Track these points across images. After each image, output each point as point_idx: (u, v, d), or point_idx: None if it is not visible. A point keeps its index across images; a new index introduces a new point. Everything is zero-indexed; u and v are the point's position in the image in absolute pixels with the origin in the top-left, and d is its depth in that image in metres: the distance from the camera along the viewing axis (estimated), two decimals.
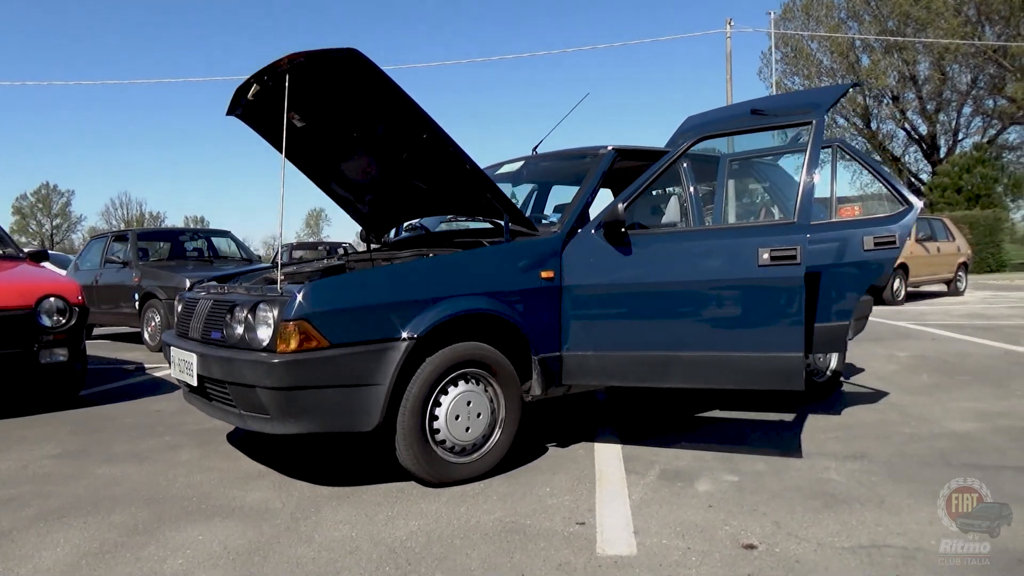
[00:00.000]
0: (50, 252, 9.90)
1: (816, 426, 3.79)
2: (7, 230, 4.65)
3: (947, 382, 4.91)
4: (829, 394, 4.56)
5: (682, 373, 3.10)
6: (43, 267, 5.49)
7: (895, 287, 11.81)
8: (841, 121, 29.60)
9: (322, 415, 2.71)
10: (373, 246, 4.31)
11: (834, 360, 4.65)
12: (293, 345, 2.62)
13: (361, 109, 3.19)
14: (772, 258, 2.90)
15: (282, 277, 3.09)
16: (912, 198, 3.65)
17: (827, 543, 2.29)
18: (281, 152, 3.15)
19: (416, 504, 2.73)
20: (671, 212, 3.99)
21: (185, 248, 10.18)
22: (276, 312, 2.67)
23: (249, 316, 2.79)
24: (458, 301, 2.92)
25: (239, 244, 10.38)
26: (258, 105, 3.34)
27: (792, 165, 4.63)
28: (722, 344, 3.02)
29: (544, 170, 4.15)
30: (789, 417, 4.01)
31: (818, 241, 3.77)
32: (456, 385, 2.95)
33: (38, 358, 4.50)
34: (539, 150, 4.35)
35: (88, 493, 2.94)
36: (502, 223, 3.35)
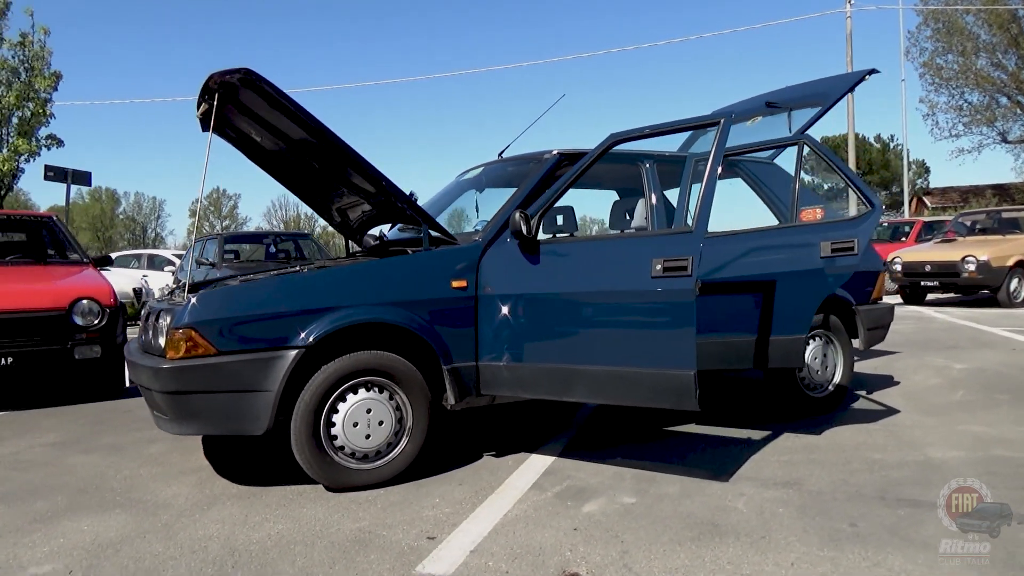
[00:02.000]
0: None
1: (777, 446, 3.51)
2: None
3: (979, 401, 4.37)
4: (830, 410, 4.20)
5: (585, 387, 2.97)
6: (96, 272, 6.04)
7: (1012, 288, 10.59)
8: (1004, 101, 26.84)
9: (212, 418, 2.84)
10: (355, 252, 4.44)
11: (838, 373, 4.27)
12: (181, 352, 2.78)
13: (279, 125, 3.30)
14: (664, 269, 2.73)
15: (187, 283, 3.25)
16: (875, 199, 3.29)
17: (664, 566, 2.14)
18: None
19: (298, 508, 2.81)
20: (637, 217, 3.85)
21: (272, 250, 10.92)
22: (168, 320, 2.84)
23: (158, 324, 2.98)
24: (353, 311, 2.96)
25: (319, 246, 10.98)
26: (222, 120, 3.51)
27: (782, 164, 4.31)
28: (620, 359, 2.87)
29: (500, 176, 4.10)
30: (759, 435, 3.74)
31: (774, 247, 3.51)
32: (356, 392, 3.00)
33: (73, 354, 4.99)
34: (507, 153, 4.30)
35: (40, 480, 3.26)
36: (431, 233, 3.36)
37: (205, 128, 3.77)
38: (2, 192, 13.40)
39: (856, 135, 42.01)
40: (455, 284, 3.17)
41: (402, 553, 2.35)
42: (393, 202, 3.35)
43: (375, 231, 4.29)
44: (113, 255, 22.28)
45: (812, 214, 3.73)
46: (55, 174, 13.38)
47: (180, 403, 2.82)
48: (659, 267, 2.74)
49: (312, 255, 10.51)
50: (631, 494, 2.87)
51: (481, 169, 4.21)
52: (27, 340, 4.82)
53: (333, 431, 2.96)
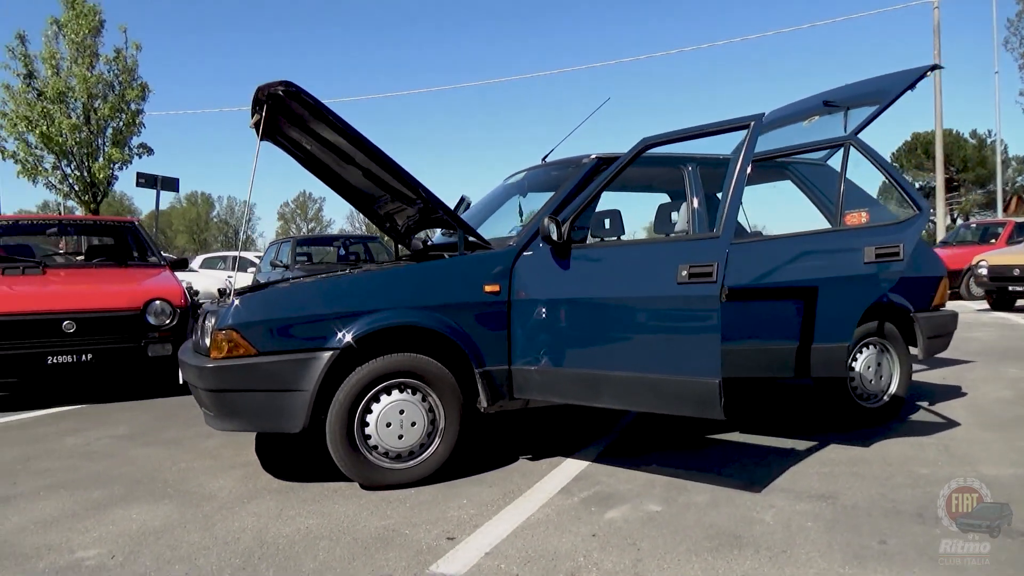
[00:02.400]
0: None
1: (819, 458, 3.41)
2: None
3: None
4: (884, 421, 4.03)
5: (611, 393, 2.97)
6: (171, 274, 6.37)
7: None
8: None
9: (251, 416, 2.99)
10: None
11: (894, 383, 4.10)
12: (223, 352, 2.93)
13: (324, 134, 3.42)
14: (690, 275, 2.70)
15: (234, 287, 3.41)
16: (923, 203, 3.15)
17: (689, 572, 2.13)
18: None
19: (330, 504, 2.92)
20: (680, 221, 3.83)
21: (343, 252, 11.28)
22: (213, 321, 3.00)
23: (205, 325, 3.15)
24: (386, 314, 3.05)
25: (387, 249, 11.27)
26: (274, 129, 3.67)
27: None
28: (645, 365, 2.85)
29: (542, 180, 4.12)
30: (803, 445, 3.63)
31: (817, 252, 3.40)
32: (389, 394, 3.09)
33: (146, 352, 5.31)
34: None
35: (103, 470, 3.49)
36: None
37: (260, 137, 3.96)
38: (98, 198, 14.39)
39: (949, 131, 39.92)
40: (488, 288, 3.22)
41: (420, 552, 2.41)
42: (430, 208, 3.43)
43: (422, 235, 4.39)
44: (200, 257, 23.52)
45: (857, 218, 3.60)
46: (146, 181, 14.19)
47: (222, 400, 2.98)
48: (684, 273, 2.71)
49: (379, 257, 10.79)
50: (658, 502, 2.85)
51: (524, 174, 4.24)
52: (105, 338, 5.16)
53: (367, 431, 3.05)
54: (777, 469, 3.24)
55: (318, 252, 11.78)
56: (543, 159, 4.32)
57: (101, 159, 13.98)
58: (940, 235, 19.23)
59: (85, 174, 13.61)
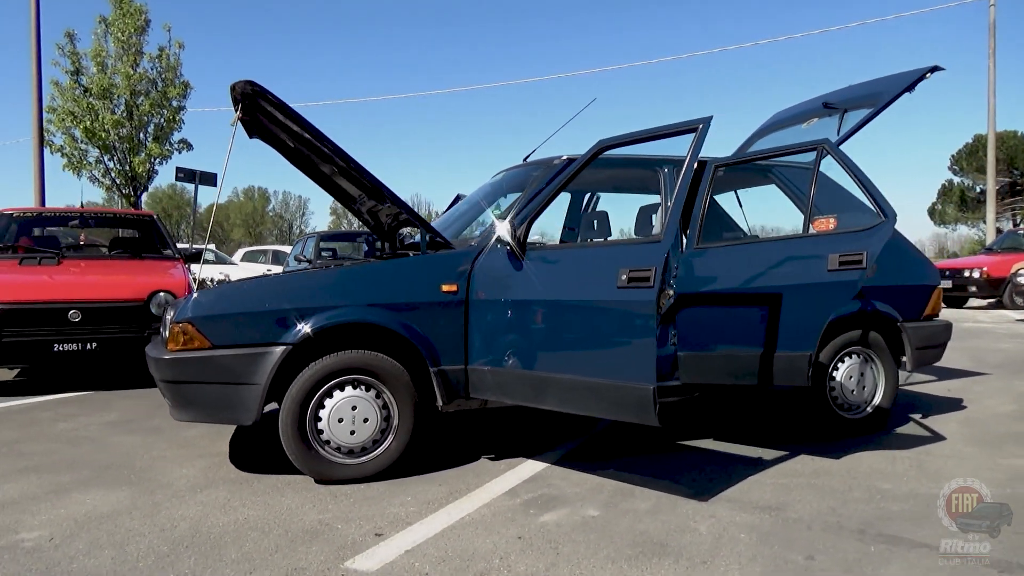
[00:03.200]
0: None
1: (783, 468, 3.33)
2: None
3: None
4: (868, 432, 3.91)
5: (556, 396, 2.95)
6: (181, 267, 6.55)
7: None
8: None
9: (206, 407, 3.06)
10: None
11: (879, 394, 3.98)
12: (179, 344, 3.01)
13: (297, 132, 3.47)
14: (629, 280, 2.67)
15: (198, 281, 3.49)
16: (889, 210, 3.04)
17: None
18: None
19: (278, 496, 2.97)
20: (656, 224, 3.79)
21: (367, 248, 11.44)
22: (171, 315, 3.09)
23: (166, 318, 3.24)
24: (339, 312, 3.09)
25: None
26: (260, 126, 3.75)
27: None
28: (587, 369, 2.83)
29: (518, 180, 4.11)
30: (772, 455, 3.56)
31: (782, 258, 3.32)
32: (342, 390, 3.13)
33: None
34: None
35: (80, 455, 3.62)
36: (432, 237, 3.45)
37: (250, 134, 4.04)
38: (139, 191, 14.94)
39: (1014, 132, 38.17)
40: (445, 288, 3.23)
41: (343, 547, 2.44)
42: (395, 207, 3.46)
43: (405, 232, 4.43)
44: (241, 250, 24.00)
45: (825, 224, 3.50)
46: (185, 175, 14.58)
47: (178, 392, 3.06)
48: (624, 277, 2.68)
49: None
50: (599, 507, 2.83)
51: (503, 174, 4.24)
52: (110, 327, 5.34)
53: (320, 426, 3.10)
54: (735, 478, 3.18)
55: (344, 247, 11.96)
56: (524, 159, 4.32)
57: (143, 154, 14.51)
58: (989, 241, 18.48)
59: (126, 168, 14.17)
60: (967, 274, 13.60)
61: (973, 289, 13.54)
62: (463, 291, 3.24)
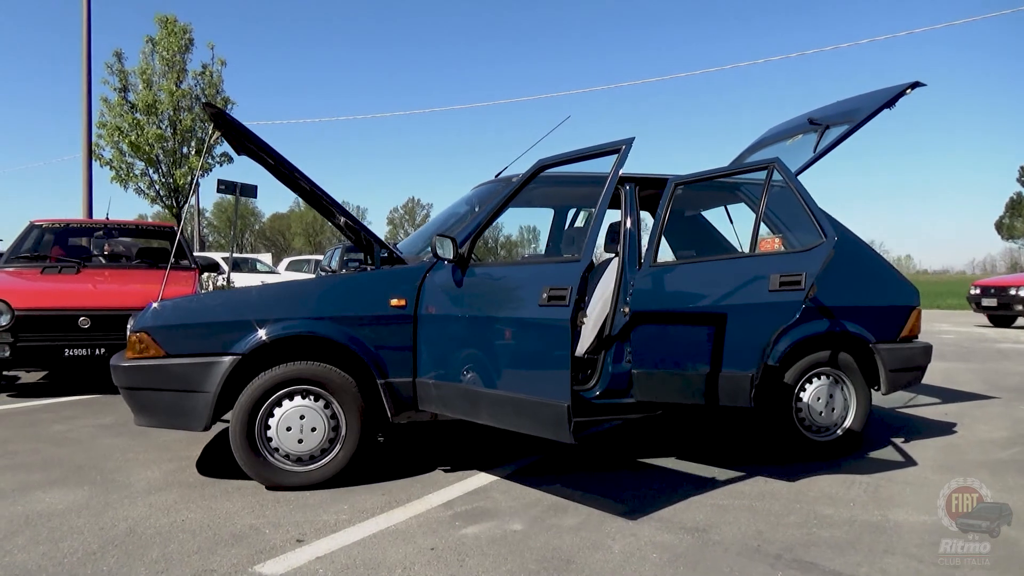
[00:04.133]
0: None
1: (731, 489, 3.30)
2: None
3: None
4: (837, 456, 3.83)
5: (487, 411, 3.00)
6: (192, 276, 6.81)
7: None
8: None
9: (160, 413, 3.21)
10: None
11: (849, 416, 3.90)
12: (135, 352, 3.17)
13: (262, 156, 3.61)
14: (549, 298, 2.71)
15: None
16: (830, 231, 2.99)
17: None
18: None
19: (223, 501, 3.09)
20: (619, 242, 3.83)
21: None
22: (131, 324, 3.25)
23: (127, 328, 3.41)
24: (287, 324, 3.20)
25: None
26: (241, 143, 3.91)
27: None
28: (512, 385, 2.87)
29: (487, 195, 4.17)
30: (726, 475, 3.52)
31: (729, 278, 3.31)
32: (292, 400, 3.24)
33: None
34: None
35: (61, 455, 3.82)
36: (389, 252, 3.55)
37: (236, 151, 4.22)
38: (180, 203, 15.59)
39: None
40: (394, 303, 3.32)
41: (261, 551, 2.53)
42: (350, 225, 3.57)
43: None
44: (286, 260, 24.55)
45: (771, 244, 3.46)
46: (226, 187, 15.15)
47: (134, 398, 3.22)
48: (545, 296, 2.72)
49: None
50: (526, 522, 2.86)
51: (475, 190, 4.32)
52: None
53: (269, 434, 3.21)
54: (676, 498, 3.16)
55: None
56: (496, 175, 4.38)
57: (184, 167, 15.13)
58: None
59: (169, 180, 14.81)
60: (1013, 292, 13.06)
61: (1020, 308, 12.99)
62: (411, 306, 3.32)
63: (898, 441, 4.24)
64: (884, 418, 4.96)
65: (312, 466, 3.27)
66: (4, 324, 5.35)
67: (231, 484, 3.31)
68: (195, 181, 15.13)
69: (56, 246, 7.21)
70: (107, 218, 7.42)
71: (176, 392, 3.17)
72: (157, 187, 15.14)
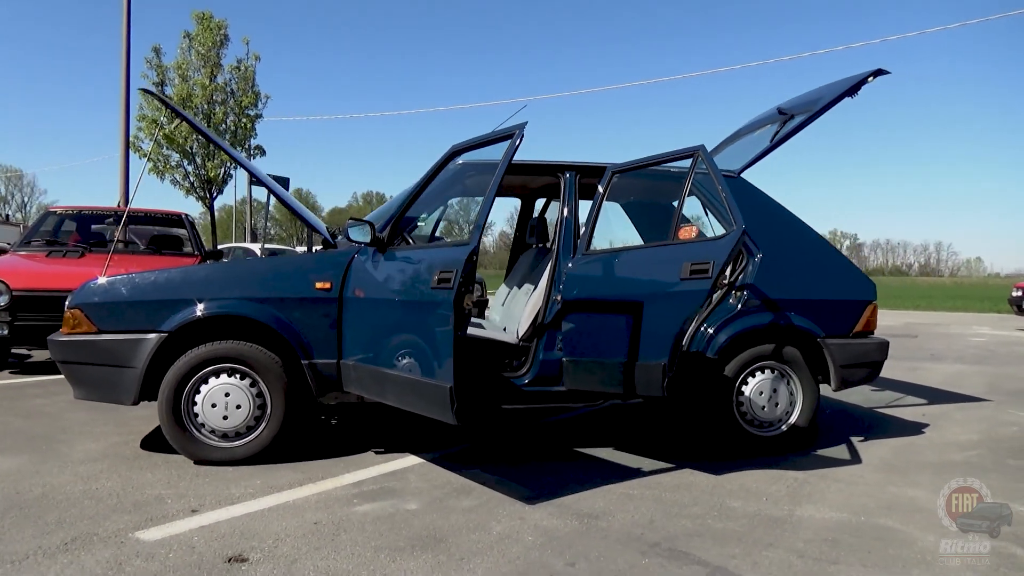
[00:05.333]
0: None
1: (649, 481, 3.26)
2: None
3: (975, 465, 3.62)
4: (782, 452, 3.75)
5: (391, 392, 3.03)
6: (193, 262, 7.03)
7: None
8: None
9: (92, 387, 3.34)
10: None
11: (795, 412, 3.81)
12: (70, 328, 3.31)
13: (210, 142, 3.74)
14: (438, 281, 2.73)
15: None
16: (740, 221, 2.92)
17: (335, 570, 2.20)
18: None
19: (147, 472, 3.20)
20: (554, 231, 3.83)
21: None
22: (68, 301, 3.39)
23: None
24: (211, 304, 3.29)
25: None
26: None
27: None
28: (408, 367, 2.90)
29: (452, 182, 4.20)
30: (656, 466, 3.48)
31: (648, 266, 3.27)
32: (218, 377, 3.33)
33: None
34: None
35: (20, 427, 4.01)
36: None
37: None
38: (213, 195, 16.11)
39: None
40: (319, 285, 3.38)
41: (150, 519, 2.62)
42: (291, 209, 3.65)
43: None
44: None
45: (688, 232, 3.39)
46: (256, 180, 15.60)
47: (68, 371, 3.36)
48: (435, 279, 2.74)
49: None
50: (423, 502, 2.88)
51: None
52: None
53: (196, 410, 3.31)
54: (589, 486, 3.15)
55: None
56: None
57: (216, 159, 15.61)
58: None
59: (202, 172, 15.32)
60: None
61: None
62: (337, 288, 3.38)
63: (856, 440, 4.12)
64: (856, 416, 4.82)
65: (237, 442, 3.36)
66: (2, 304, 5.63)
67: (163, 458, 3.42)
68: (225, 173, 15.61)
69: (76, 232, 7.54)
70: (118, 206, 7.71)
71: (106, 367, 3.29)
72: (191, 179, 15.69)
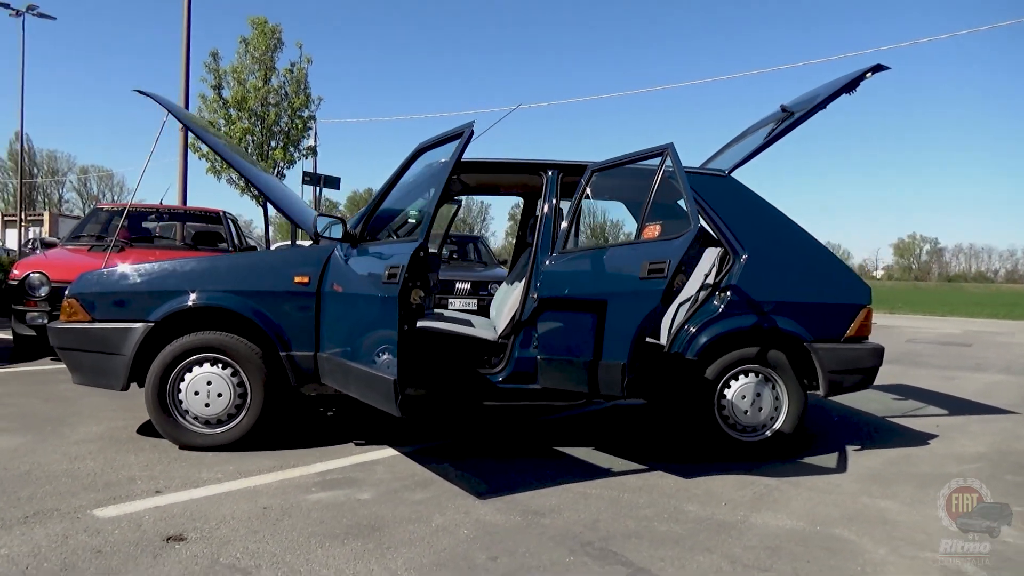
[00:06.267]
0: None
1: (612, 482, 3.25)
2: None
3: (980, 479, 3.44)
4: (769, 458, 3.65)
5: (353, 384, 3.11)
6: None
7: None
8: None
9: (86, 372, 3.53)
10: None
11: (780, 417, 3.72)
12: (67, 316, 3.52)
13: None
14: (388, 276, 2.79)
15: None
16: (696, 219, 2.86)
17: (261, 552, 2.28)
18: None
19: (132, 455, 3.37)
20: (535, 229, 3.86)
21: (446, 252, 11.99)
22: (67, 291, 3.60)
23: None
24: (194, 296, 3.44)
25: (487, 247, 11.76)
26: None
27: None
28: (365, 359, 2.97)
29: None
30: (628, 467, 3.46)
31: (612, 265, 3.25)
32: (201, 366, 3.48)
33: None
34: None
35: (35, 410, 4.27)
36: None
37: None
38: (263, 195, 16.43)
39: None
40: (298, 279, 3.49)
41: (113, 497, 2.77)
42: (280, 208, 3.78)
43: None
44: None
45: (652, 231, 3.33)
46: (310, 179, 16.04)
47: (65, 357, 3.56)
48: (386, 274, 2.80)
49: (486, 256, 11.31)
50: (379, 493, 2.95)
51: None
52: None
53: (180, 397, 3.47)
54: (549, 483, 3.15)
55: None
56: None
57: (269, 159, 16.13)
58: None
59: None
60: None
61: None
62: (315, 283, 3.48)
63: (852, 448, 3.98)
64: (863, 424, 4.66)
65: (219, 429, 3.50)
66: (43, 294, 5.99)
67: (152, 442, 3.59)
68: (278, 173, 16.12)
69: (123, 228, 7.95)
70: (160, 203, 8.09)
71: (98, 354, 3.48)
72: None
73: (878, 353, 3.85)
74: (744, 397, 3.67)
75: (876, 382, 4.07)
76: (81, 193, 57.21)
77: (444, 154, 3.13)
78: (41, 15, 24.03)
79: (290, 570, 2.20)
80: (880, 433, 4.42)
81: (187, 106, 13.93)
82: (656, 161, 3.35)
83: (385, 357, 2.77)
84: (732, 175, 3.94)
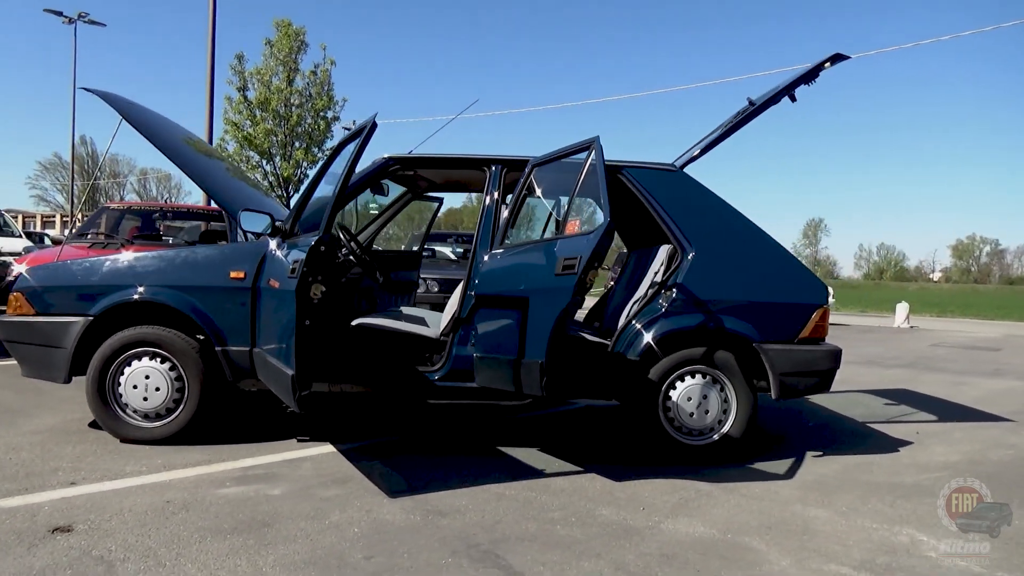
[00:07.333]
0: None
1: (532, 483, 3.16)
2: None
3: (933, 490, 3.27)
4: (719, 462, 3.52)
5: (271, 378, 3.10)
6: None
7: None
8: None
9: (30, 364, 3.60)
10: None
11: (728, 420, 3.59)
12: (13, 310, 3.59)
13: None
14: (291, 271, 2.77)
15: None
16: (606, 213, 2.76)
17: (137, 545, 2.28)
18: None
19: (73, 447, 3.43)
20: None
21: (460, 250, 11.97)
22: (15, 285, 3.68)
23: None
24: (132, 291, 3.48)
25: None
26: None
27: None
28: (276, 353, 2.95)
29: None
30: (566, 468, 3.39)
31: (535, 261, 3.17)
32: (140, 360, 3.52)
33: None
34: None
35: (8, 401, 4.38)
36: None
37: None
38: (289, 193, 16.96)
39: None
40: (233, 275, 3.50)
41: (25, 488, 2.81)
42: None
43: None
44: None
45: (573, 226, 3.23)
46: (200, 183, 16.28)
47: (12, 350, 3.64)
48: (290, 269, 2.78)
49: None
50: (289, 489, 2.93)
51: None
52: None
53: (120, 390, 3.51)
54: (469, 483, 3.09)
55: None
56: (409, 152, 4.44)
57: (291, 160, 16.42)
58: None
59: (279, 171, 16.21)
60: None
61: None
62: (251, 278, 3.48)
63: (813, 454, 3.82)
64: (836, 430, 4.47)
65: (157, 423, 3.53)
66: None
67: (99, 436, 3.64)
68: (302, 173, 16.43)
69: (132, 226, 8.16)
70: (164, 202, 8.27)
71: (42, 347, 3.55)
72: (270, 178, 16.63)
73: (835, 355, 3.68)
74: (690, 399, 3.55)
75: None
76: (141, 194, 58.97)
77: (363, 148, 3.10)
78: (92, 22, 24.85)
79: (156, 563, 2.19)
80: (850, 439, 4.24)
81: (211, 106, 14.24)
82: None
83: (286, 352, 2.75)
84: (685, 170, 3.82)
